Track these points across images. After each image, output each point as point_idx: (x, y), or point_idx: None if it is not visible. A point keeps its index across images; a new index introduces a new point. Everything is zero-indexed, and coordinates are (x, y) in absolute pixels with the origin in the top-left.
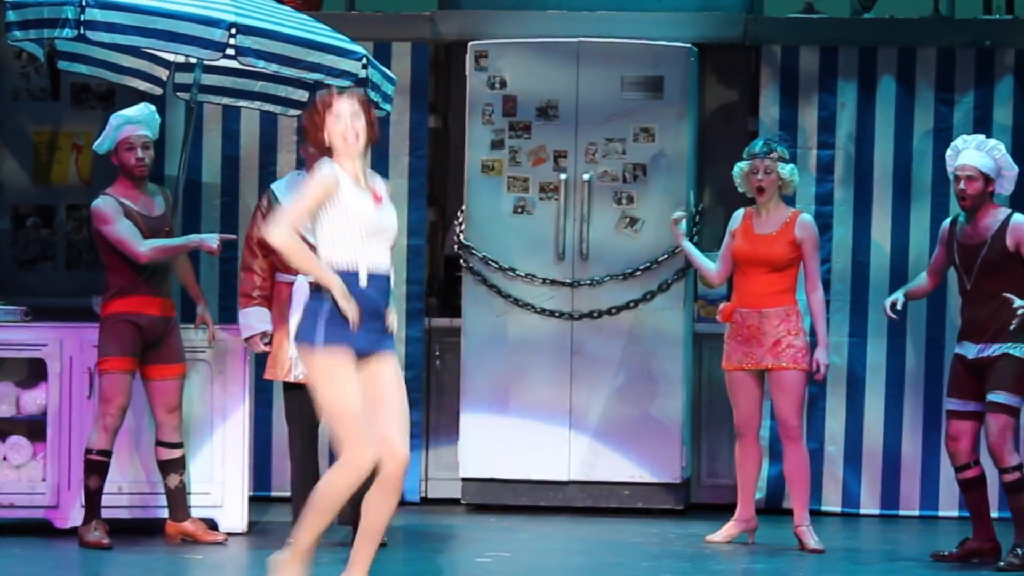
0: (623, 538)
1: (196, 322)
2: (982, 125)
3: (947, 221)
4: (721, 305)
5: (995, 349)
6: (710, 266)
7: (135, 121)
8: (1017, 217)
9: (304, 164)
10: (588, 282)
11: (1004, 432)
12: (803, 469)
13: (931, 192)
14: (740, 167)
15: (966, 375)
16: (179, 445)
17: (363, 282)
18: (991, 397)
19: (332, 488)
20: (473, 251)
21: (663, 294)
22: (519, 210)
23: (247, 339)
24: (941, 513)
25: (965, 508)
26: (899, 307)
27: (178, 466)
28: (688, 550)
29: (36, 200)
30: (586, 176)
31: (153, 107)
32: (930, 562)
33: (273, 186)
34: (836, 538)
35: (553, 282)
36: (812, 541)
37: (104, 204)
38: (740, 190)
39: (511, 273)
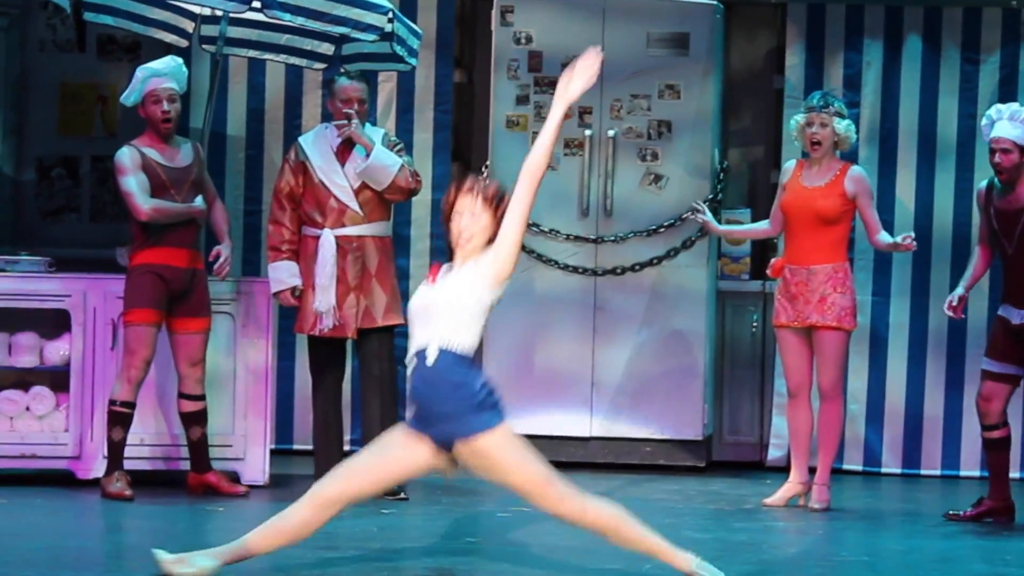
0: (644, 495)
1: (211, 254)
2: (1008, 85)
3: (982, 184)
4: (772, 260)
5: None
6: (760, 228)
7: (161, 74)
8: None
9: (332, 118)
10: (612, 238)
11: None
12: (835, 427)
13: (956, 152)
14: (796, 120)
15: (1008, 339)
16: (201, 398)
17: (409, 367)
18: None
19: None
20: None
21: (687, 251)
22: None
23: (276, 293)
24: (962, 473)
25: (986, 467)
26: (955, 302)
27: (200, 419)
28: (709, 507)
29: (61, 151)
30: (611, 132)
31: (180, 60)
32: (947, 522)
33: (300, 139)
34: (857, 497)
35: (577, 238)
36: (818, 501)
37: (123, 154)
38: (796, 143)
39: (535, 229)
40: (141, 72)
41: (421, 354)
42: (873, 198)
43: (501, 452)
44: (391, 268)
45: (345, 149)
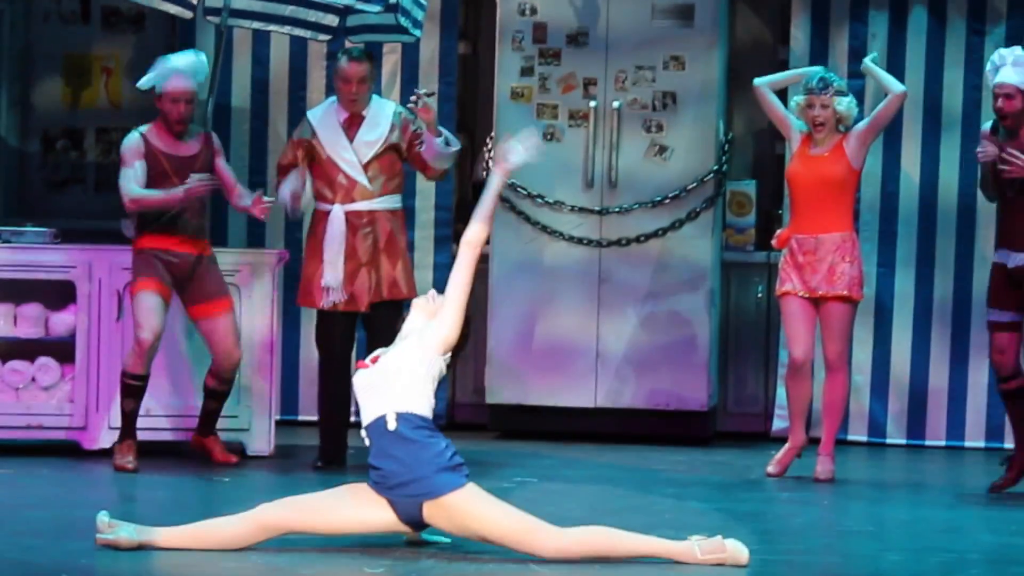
0: (649, 466)
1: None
2: None
3: (986, 127)
4: (777, 232)
5: None
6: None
7: (184, 73)
8: None
9: (335, 92)
10: (617, 210)
11: None
12: (840, 399)
13: (961, 123)
14: (797, 101)
15: (1006, 285)
16: (230, 382)
17: (365, 441)
18: None
19: None
20: None
21: (692, 222)
22: (548, 137)
23: (287, 204)
24: (967, 444)
25: (992, 438)
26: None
27: (221, 398)
28: (714, 478)
29: (66, 123)
30: (616, 104)
31: (203, 55)
32: (955, 493)
33: (309, 114)
34: (862, 468)
35: (582, 209)
36: (823, 471)
37: (127, 142)
38: (798, 122)
39: (540, 200)
40: (165, 66)
41: (379, 422)
42: (871, 115)
43: (477, 505)
44: (402, 241)
45: (352, 123)
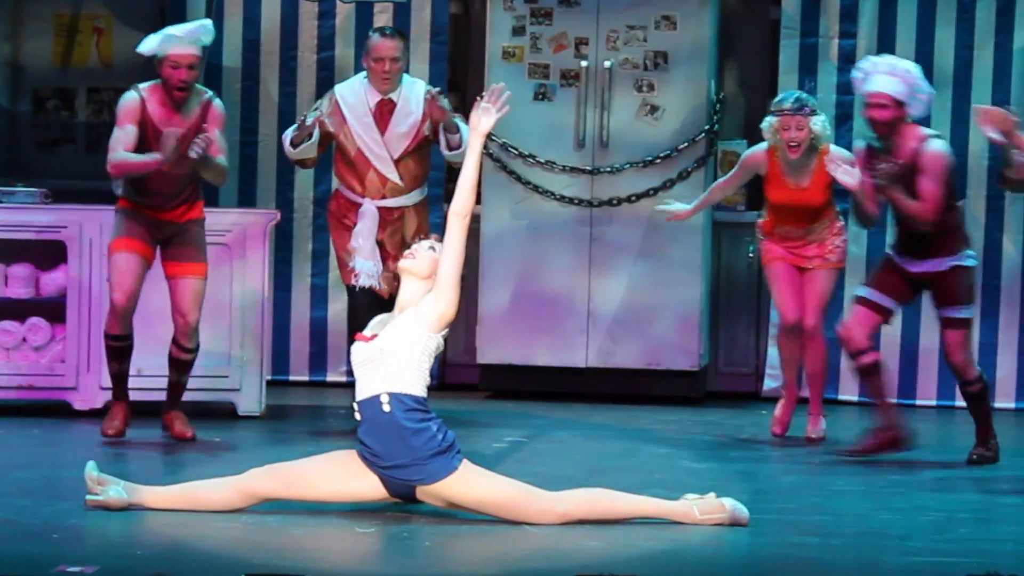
0: (640, 425)
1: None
2: (1004, 15)
3: (860, 144)
4: (759, 221)
5: (943, 263)
6: (716, 195)
7: (185, 39)
8: (932, 144)
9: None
10: (608, 169)
11: (963, 347)
12: (821, 361)
13: (952, 82)
14: (770, 121)
15: (896, 278)
16: (190, 350)
17: (357, 415)
18: (948, 313)
19: None
20: (493, 137)
21: (683, 182)
22: (540, 97)
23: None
24: (958, 403)
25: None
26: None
27: (182, 368)
28: (705, 437)
29: (57, 83)
30: (607, 63)
31: (209, 22)
32: (945, 453)
33: (336, 88)
34: (852, 427)
35: (573, 169)
36: (813, 431)
37: (126, 101)
38: (769, 143)
39: (531, 160)
40: (166, 32)
41: (374, 400)
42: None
43: (470, 487)
44: (425, 229)
45: (384, 112)
